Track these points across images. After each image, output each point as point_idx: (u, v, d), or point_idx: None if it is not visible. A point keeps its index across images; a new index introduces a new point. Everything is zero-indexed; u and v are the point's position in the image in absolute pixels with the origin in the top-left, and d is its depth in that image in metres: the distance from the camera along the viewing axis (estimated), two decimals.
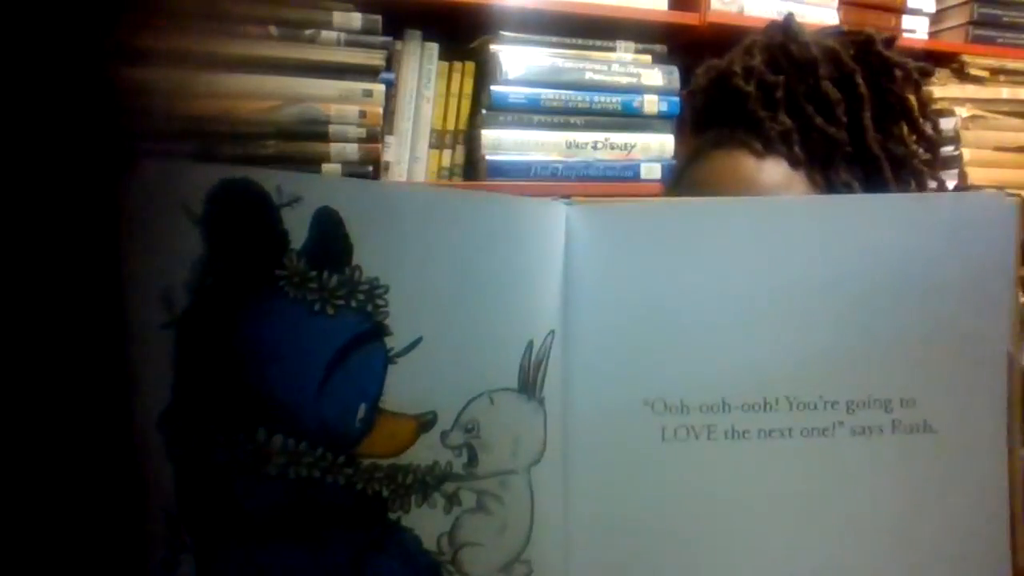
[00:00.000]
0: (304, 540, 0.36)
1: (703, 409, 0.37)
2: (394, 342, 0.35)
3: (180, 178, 0.34)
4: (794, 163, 0.62)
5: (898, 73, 0.63)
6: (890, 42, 0.64)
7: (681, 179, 0.69)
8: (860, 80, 0.62)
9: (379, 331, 0.35)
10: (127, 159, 0.31)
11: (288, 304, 0.34)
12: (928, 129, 0.65)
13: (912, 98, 0.63)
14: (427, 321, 0.36)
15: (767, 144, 0.62)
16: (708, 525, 0.37)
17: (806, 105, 0.63)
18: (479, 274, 0.37)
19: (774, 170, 0.62)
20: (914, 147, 0.64)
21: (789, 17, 0.67)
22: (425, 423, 0.36)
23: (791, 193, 0.61)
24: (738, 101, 0.65)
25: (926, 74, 0.64)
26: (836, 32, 0.67)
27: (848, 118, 0.62)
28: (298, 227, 0.34)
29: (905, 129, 0.64)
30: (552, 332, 0.38)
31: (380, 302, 0.35)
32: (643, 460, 0.37)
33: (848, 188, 0.63)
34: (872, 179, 0.64)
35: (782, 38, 0.65)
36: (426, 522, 0.36)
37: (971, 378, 0.37)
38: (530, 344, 0.38)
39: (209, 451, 0.34)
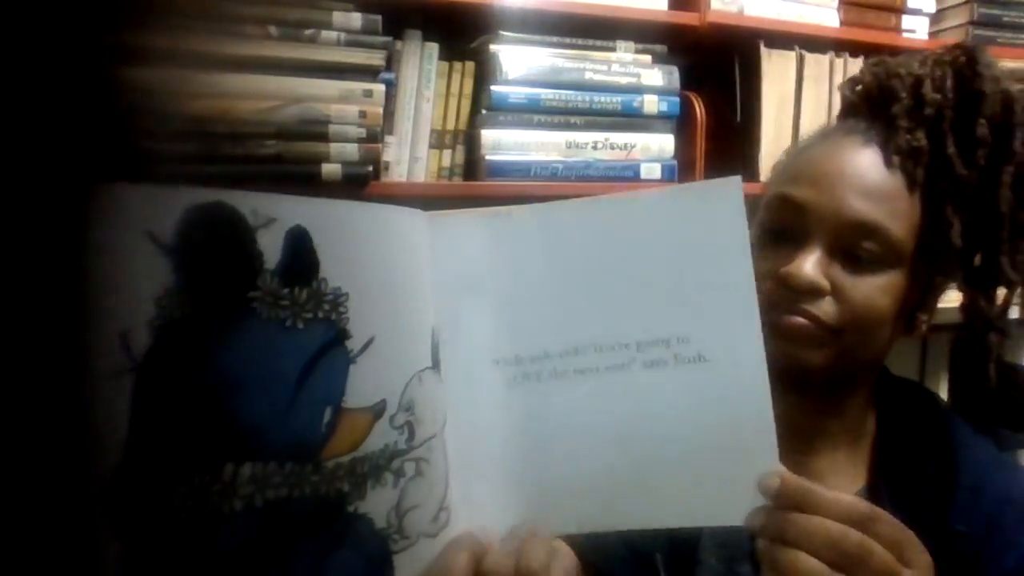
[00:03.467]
0: (270, 568, 0.35)
1: (531, 360, 0.47)
2: (353, 344, 0.39)
3: (142, 203, 0.31)
4: (910, 184, 0.60)
5: None
6: None
7: (800, 153, 0.67)
8: (1020, 136, 0.60)
9: (342, 336, 0.38)
10: (86, 182, 0.27)
11: (260, 324, 0.35)
12: None
13: None
14: (376, 321, 0.40)
15: (895, 153, 0.60)
16: (549, 447, 0.47)
17: (949, 135, 0.60)
18: (402, 273, 0.42)
19: (887, 180, 0.60)
20: None
21: (979, 44, 0.64)
22: (379, 412, 0.40)
23: (893, 206, 0.60)
24: (888, 102, 0.63)
25: None
26: None
27: (987, 163, 0.60)
28: (272, 247, 0.35)
29: None
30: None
31: (342, 309, 0.38)
32: (498, 404, 0.47)
33: (948, 228, 0.60)
34: (983, 228, 0.62)
35: (962, 63, 0.62)
36: (378, 502, 0.40)
37: (732, 318, 0.46)
38: (433, 329, 0.44)
39: (168, 507, 0.32)
